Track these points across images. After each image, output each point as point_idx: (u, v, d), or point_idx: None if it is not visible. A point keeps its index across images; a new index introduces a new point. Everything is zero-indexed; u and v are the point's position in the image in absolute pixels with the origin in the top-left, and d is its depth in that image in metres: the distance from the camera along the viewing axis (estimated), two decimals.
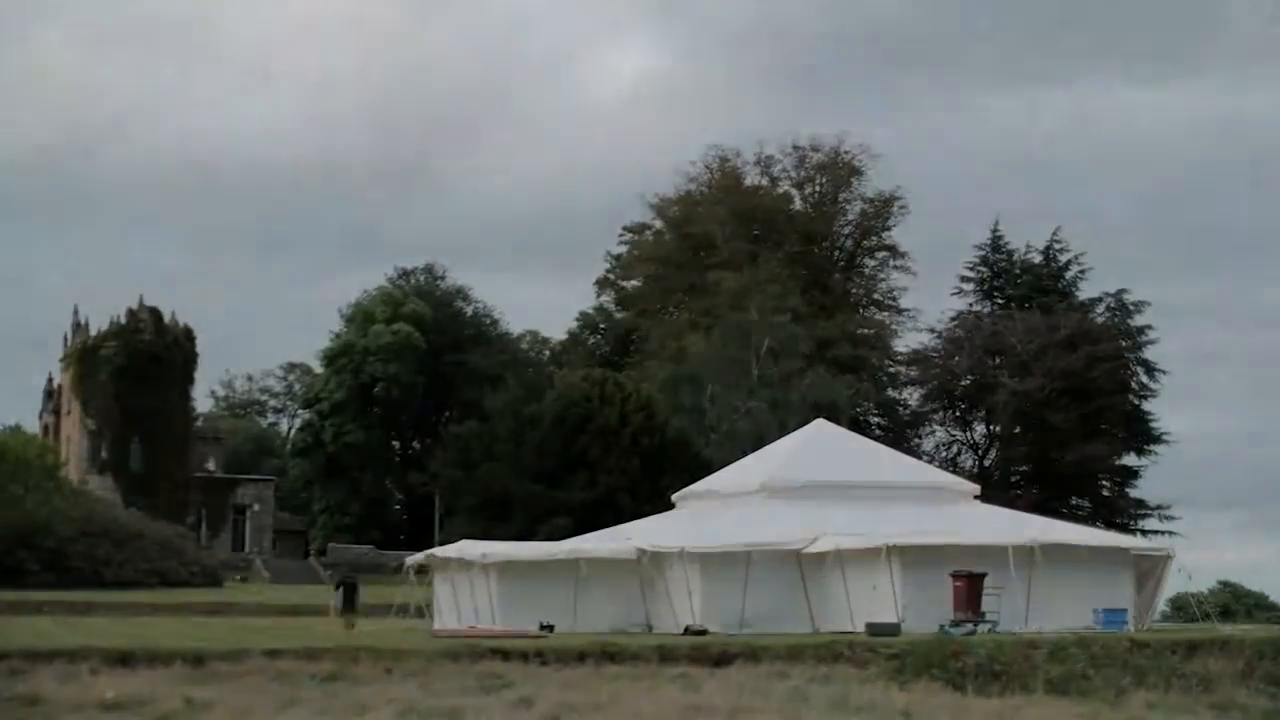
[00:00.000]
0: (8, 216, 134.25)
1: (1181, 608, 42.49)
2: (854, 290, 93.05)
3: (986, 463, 78.99)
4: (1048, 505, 64.64)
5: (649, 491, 56.23)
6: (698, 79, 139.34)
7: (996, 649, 25.12)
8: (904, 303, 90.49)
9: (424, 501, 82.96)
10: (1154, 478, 77.88)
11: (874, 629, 31.03)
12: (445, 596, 37.69)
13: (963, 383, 79.06)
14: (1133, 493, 78.19)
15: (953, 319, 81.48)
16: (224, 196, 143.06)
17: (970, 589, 32.94)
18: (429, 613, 38.45)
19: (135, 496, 72.19)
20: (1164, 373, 78.68)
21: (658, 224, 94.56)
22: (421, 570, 39.67)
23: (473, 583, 35.21)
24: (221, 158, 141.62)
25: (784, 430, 52.22)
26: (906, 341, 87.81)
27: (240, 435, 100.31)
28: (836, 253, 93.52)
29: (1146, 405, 78.51)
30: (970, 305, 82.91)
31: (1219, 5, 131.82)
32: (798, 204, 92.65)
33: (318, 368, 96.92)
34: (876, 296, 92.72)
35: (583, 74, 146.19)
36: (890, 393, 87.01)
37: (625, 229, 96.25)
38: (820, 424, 45.54)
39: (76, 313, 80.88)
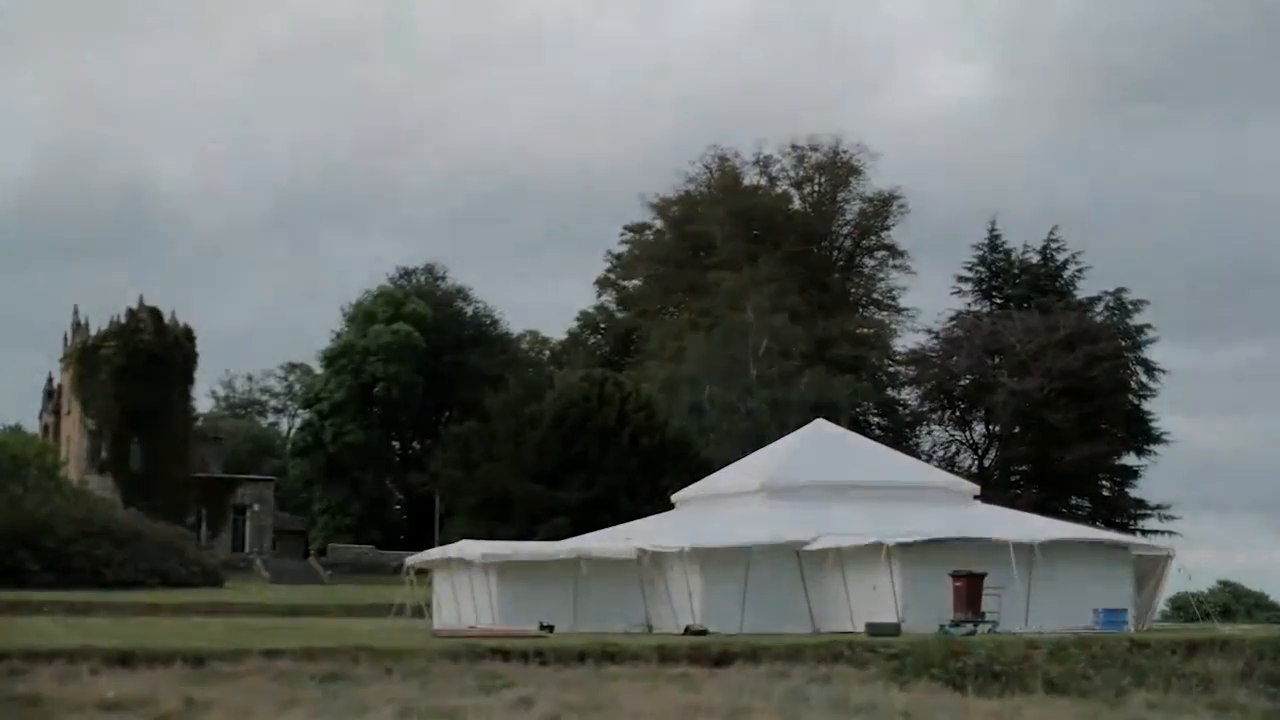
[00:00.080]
0: None
1: (1181, 608, 42.52)
2: (853, 290, 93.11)
3: (986, 463, 78.98)
4: (1048, 505, 64.64)
5: (649, 491, 56.26)
6: None
7: (996, 649, 25.12)
8: (903, 302, 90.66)
9: (424, 501, 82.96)
10: (1154, 478, 78.02)
11: (874, 629, 31.04)
12: (445, 596, 37.70)
13: (962, 382, 79.06)
14: (1133, 493, 78.20)
15: (951, 319, 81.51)
16: None
17: (970, 589, 32.97)
18: (429, 613, 38.47)
19: (135, 496, 72.18)
20: (1164, 372, 78.76)
21: (658, 224, 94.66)
22: (422, 570, 39.71)
23: (473, 583, 35.23)
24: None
25: (784, 430, 52.25)
26: (905, 341, 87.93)
27: (240, 435, 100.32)
28: (835, 252, 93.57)
29: (1146, 405, 78.52)
30: (969, 305, 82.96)
31: None
32: (797, 204, 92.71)
33: (318, 368, 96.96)
34: (876, 296, 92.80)
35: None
36: (890, 392, 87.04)
37: (625, 229, 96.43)
38: (820, 424, 45.58)
39: (76, 313, 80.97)
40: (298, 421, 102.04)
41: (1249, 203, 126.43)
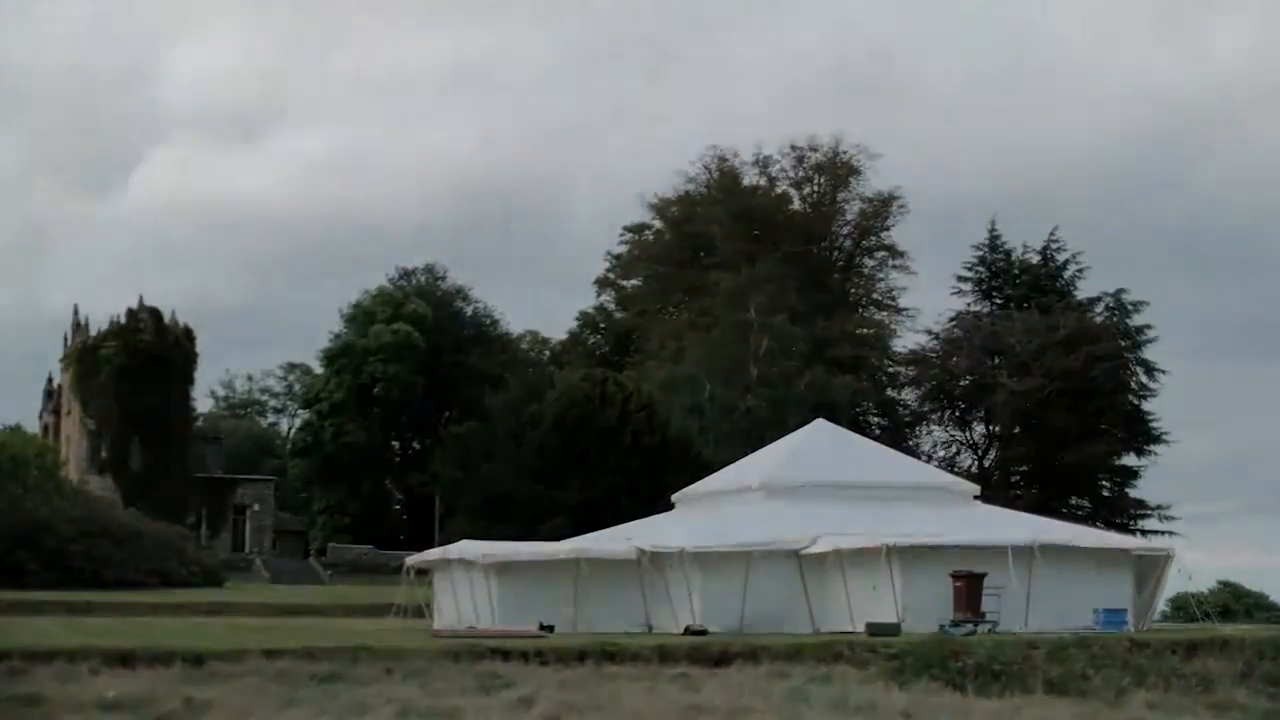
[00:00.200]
0: None
1: (1181, 608, 42.50)
2: (853, 290, 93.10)
3: (986, 463, 78.96)
4: (1048, 505, 64.61)
5: (649, 491, 56.24)
6: None
7: (996, 649, 25.13)
8: (903, 302, 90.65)
9: (424, 501, 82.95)
10: (1153, 477, 78.01)
11: (874, 629, 31.04)
12: (445, 596, 37.69)
13: (962, 383, 79.03)
14: (1133, 493, 78.18)
15: (951, 319, 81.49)
16: None
17: (970, 589, 32.97)
18: (429, 613, 38.46)
19: (135, 496, 72.14)
20: (1164, 372, 78.73)
21: (657, 224, 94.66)
22: (422, 570, 39.69)
23: (473, 583, 35.21)
24: None
25: (784, 430, 52.22)
26: (905, 341, 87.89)
27: (240, 435, 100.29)
28: (835, 253, 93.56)
29: (1146, 405, 78.49)
30: (969, 305, 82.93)
31: None
32: (796, 204, 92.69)
33: (318, 368, 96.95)
34: (875, 296, 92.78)
35: None
36: (890, 392, 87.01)
37: (625, 229, 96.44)
38: (820, 424, 45.56)
39: (76, 313, 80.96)
40: (298, 421, 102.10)
41: None
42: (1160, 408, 78.12)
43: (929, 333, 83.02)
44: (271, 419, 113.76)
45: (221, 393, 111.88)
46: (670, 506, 44.93)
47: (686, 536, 36.51)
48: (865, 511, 36.62)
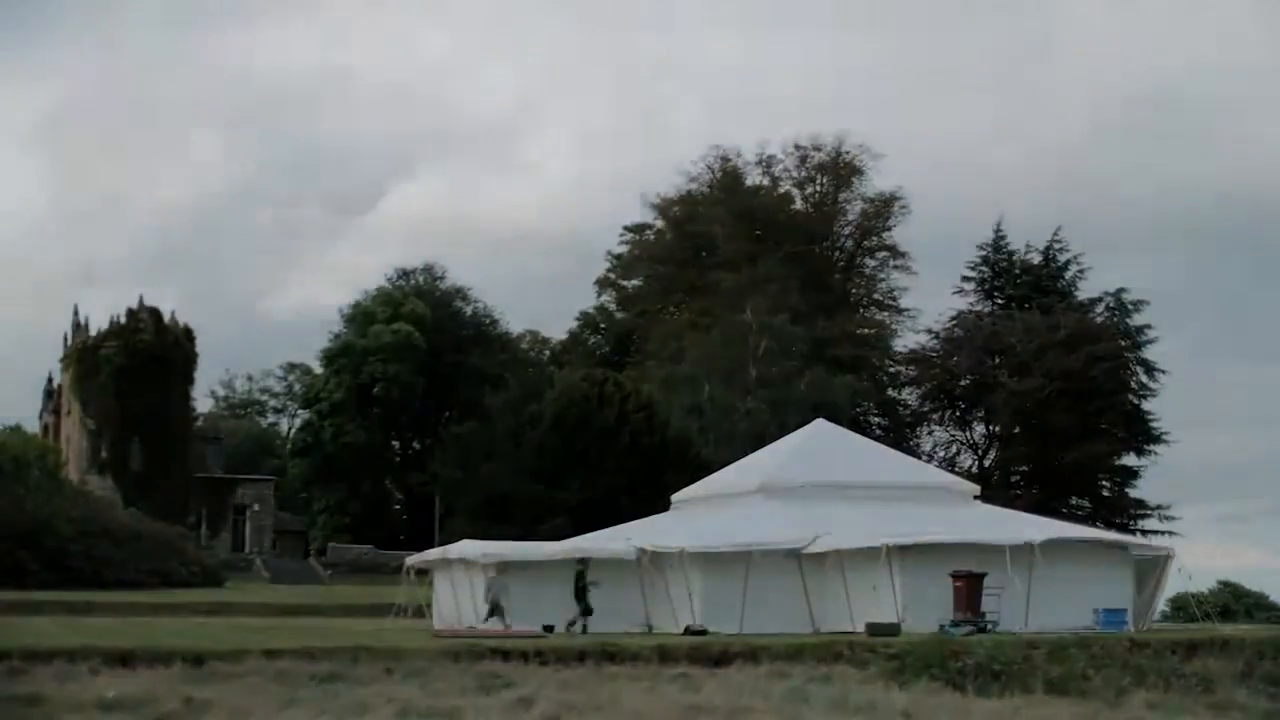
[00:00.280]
0: None
1: (1181, 608, 42.50)
2: (854, 290, 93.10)
3: (986, 463, 78.98)
4: (1048, 505, 64.62)
5: (649, 491, 56.23)
6: None
7: (996, 649, 25.13)
8: (904, 302, 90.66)
9: (424, 501, 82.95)
10: (1153, 477, 77.99)
11: (874, 629, 31.05)
12: (445, 596, 37.69)
13: (962, 383, 79.06)
14: (1132, 493, 78.18)
15: (952, 319, 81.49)
16: None
17: (970, 589, 32.96)
18: (429, 613, 38.47)
19: (135, 496, 72.14)
20: (1164, 372, 78.73)
21: (658, 224, 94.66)
22: (422, 570, 39.70)
23: (473, 583, 35.21)
24: None
25: (784, 430, 52.23)
26: (906, 341, 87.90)
27: (240, 435, 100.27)
28: (837, 253, 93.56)
29: (1146, 405, 78.48)
30: (971, 305, 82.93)
31: None
32: (798, 204, 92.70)
33: (318, 368, 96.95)
34: (876, 296, 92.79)
35: None
36: (890, 392, 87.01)
37: (626, 229, 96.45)
38: (820, 424, 45.56)
39: (76, 313, 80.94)
40: (298, 421, 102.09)
41: None
42: (1160, 407, 78.26)
43: (929, 332, 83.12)
44: (271, 419, 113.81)
45: (221, 393, 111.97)
46: (670, 506, 44.92)
47: (686, 536, 36.51)
48: (865, 511, 36.61)
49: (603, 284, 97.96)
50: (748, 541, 35.39)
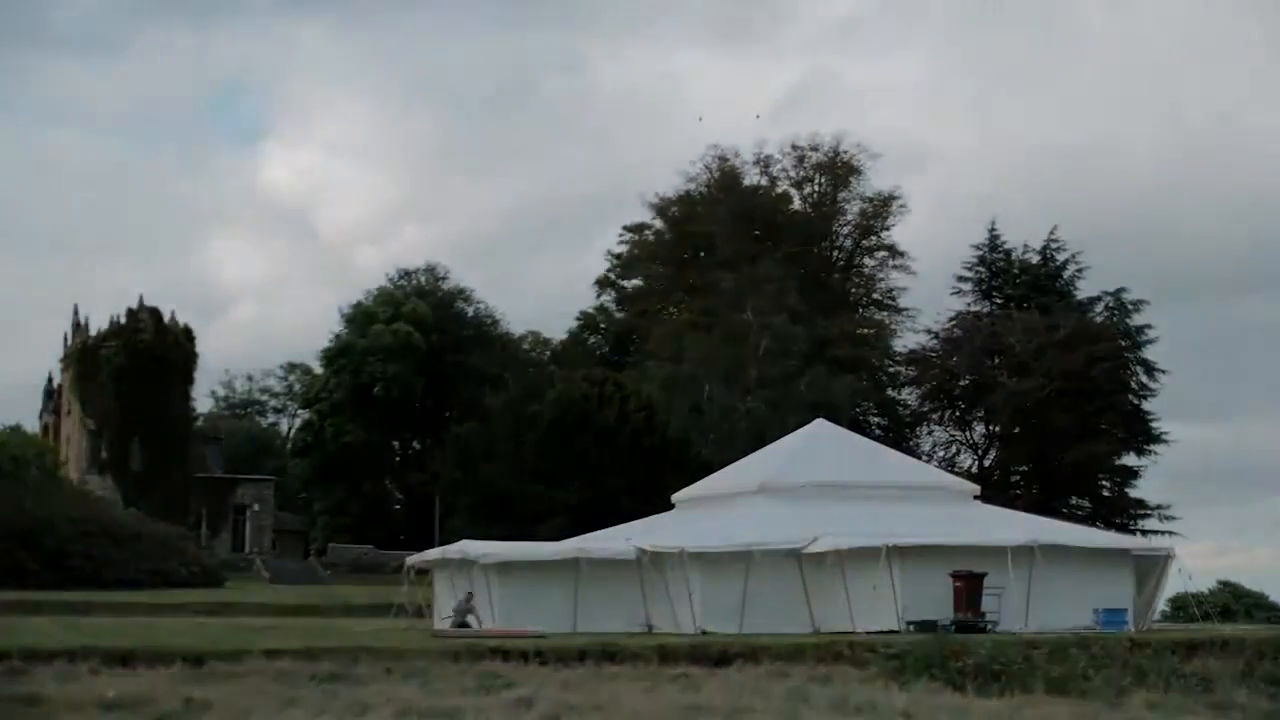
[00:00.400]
0: None
1: (1181, 608, 42.49)
2: (853, 290, 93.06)
3: (986, 463, 78.93)
4: (1047, 505, 64.59)
5: (649, 491, 56.30)
6: None
7: (996, 649, 25.13)
8: (903, 302, 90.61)
9: (424, 501, 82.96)
10: (1153, 478, 77.94)
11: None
12: (445, 596, 37.68)
13: (962, 383, 79.01)
14: (1133, 493, 78.14)
15: (951, 319, 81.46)
16: None
17: (970, 589, 32.96)
18: (429, 613, 38.45)
19: (135, 496, 72.18)
20: (1164, 372, 78.68)
21: (658, 224, 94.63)
22: (422, 570, 39.68)
23: (472, 583, 35.19)
24: None
25: (784, 430, 52.20)
26: (905, 341, 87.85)
27: (240, 435, 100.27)
28: (835, 252, 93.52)
29: (1146, 405, 78.43)
30: (969, 305, 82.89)
31: None
32: (797, 204, 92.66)
33: (318, 368, 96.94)
34: (876, 296, 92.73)
35: None
36: (890, 392, 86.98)
37: (625, 229, 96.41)
38: (820, 424, 45.51)
39: (76, 313, 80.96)
40: (298, 421, 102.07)
41: None
42: (1161, 407, 78.22)
43: (929, 332, 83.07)
44: (271, 419, 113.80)
45: (221, 393, 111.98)
46: (670, 506, 44.89)
47: (686, 536, 36.48)
48: (865, 511, 36.58)
49: (602, 284, 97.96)
50: (748, 541, 35.36)
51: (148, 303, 79.04)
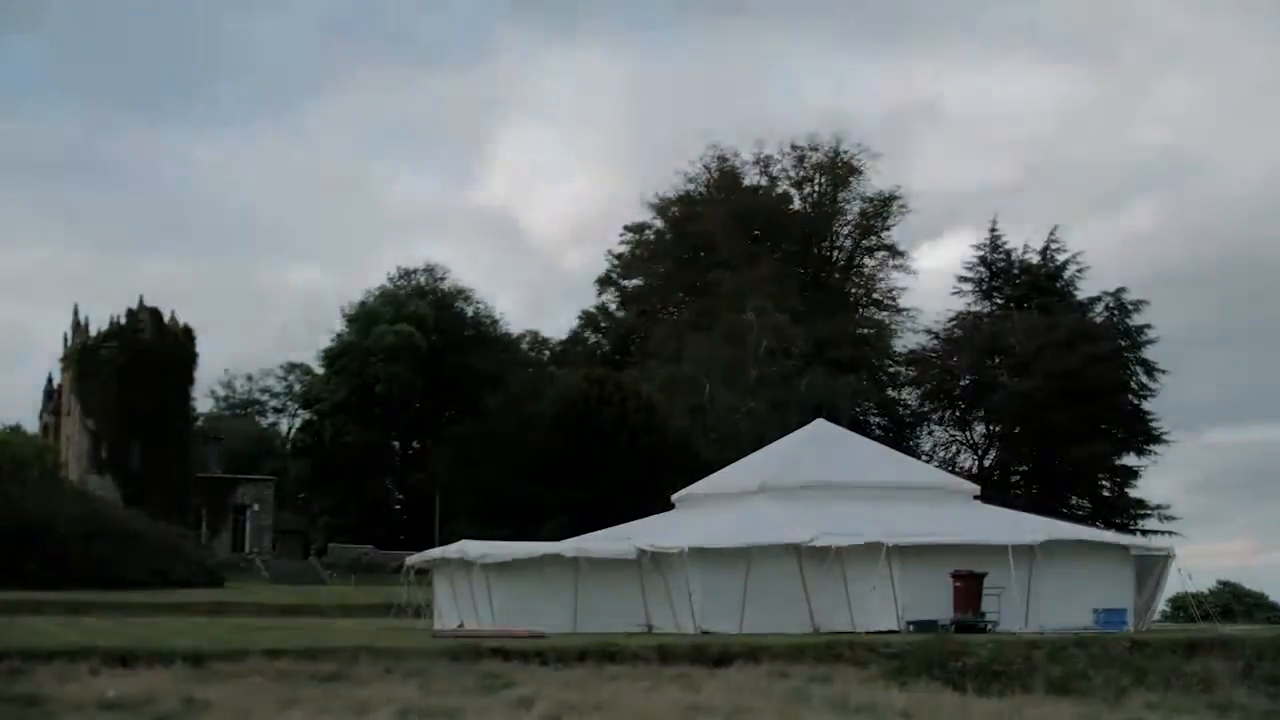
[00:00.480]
0: None
1: (1181, 608, 42.48)
2: (853, 290, 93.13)
3: (986, 463, 78.99)
4: (1047, 505, 64.61)
5: (649, 491, 56.27)
6: None
7: (996, 649, 25.13)
8: (903, 302, 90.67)
9: (424, 501, 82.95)
10: (1153, 478, 77.99)
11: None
12: (445, 596, 37.66)
13: (962, 383, 79.08)
14: (1133, 493, 78.19)
15: (951, 319, 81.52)
16: None
17: (970, 589, 32.95)
18: (429, 613, 38.44)
19: (135, 496, 72.17)
20: (1164, 372, 78.72)
21: (658, 224, 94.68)
22: (422, 570, 39.66)
23: (472, 583, 35.18)
24: None
25: (784, 430, 52.19)
26: (905, 341, 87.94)
27: (240, 435, 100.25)
28: (835, 252, 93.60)
29: (1146, 405, 78.48)
30: (969, 305, 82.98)
31: None
32: (797, 204, 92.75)
33: (318, 368, 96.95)
34: (876, 296, 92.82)
35: None
36: (890, 392, 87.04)
37: (625, 228, 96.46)
38: (820, 424, 45.48)
39: (76, 313, 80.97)
40: (298, 421, 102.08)
41: None
42: (1161, 407, 78.27)
43: (929, 332, 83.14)
44: (271, 419, 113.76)
45: (221, 393, 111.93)
46: (670, 506, 44.87)
47: (686, 536, 36.44)
48: (865, 511, 36.54)
49: (603, 283, 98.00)
50: (748, 541, 35.34)
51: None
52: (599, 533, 41.31)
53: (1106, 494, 78.29)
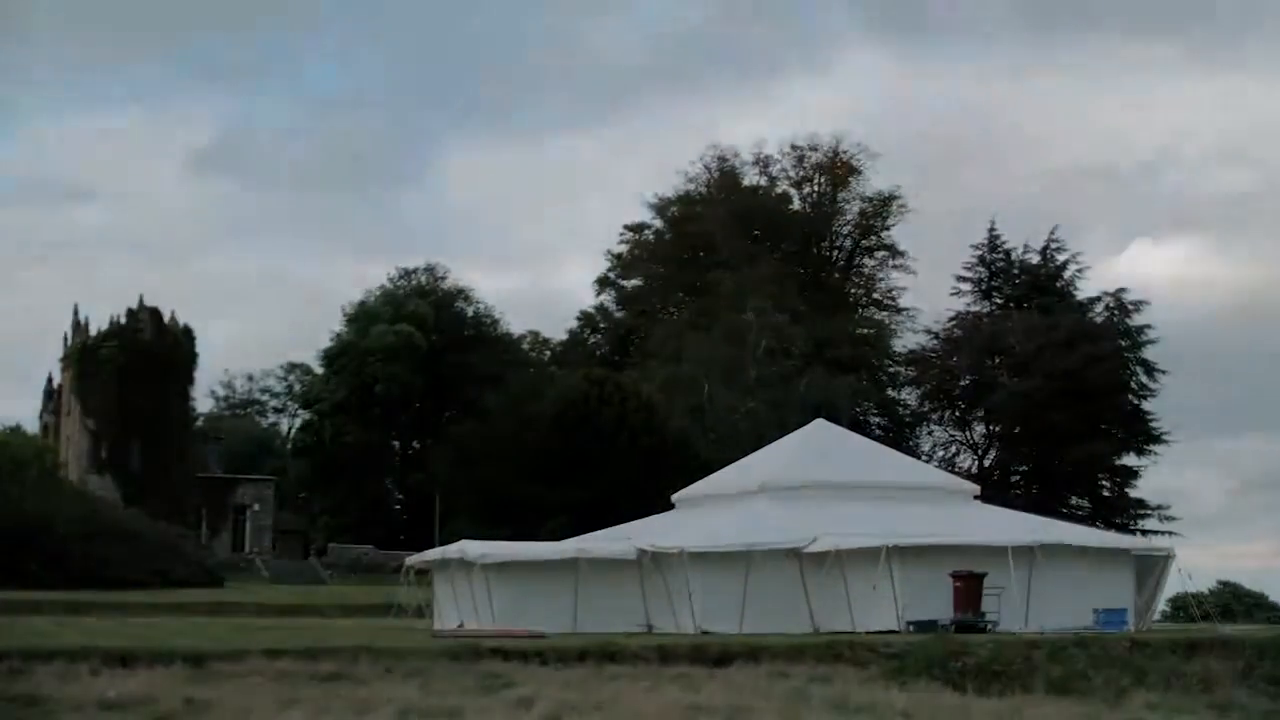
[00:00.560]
0: None
1: (1181, 608, 42.48)
2: (853, 290, 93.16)
3: (986, 463, 78.99)
4: (1047, 505, 64.64)
5: (649, 491, 56.25)
6: None
7: (996, 649, 25.13)
8: (903, 302, 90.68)
9: (424, 501, 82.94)
10: (1154, 478, 77.97)
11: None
12: (445, 596, 37.66)
13: (962, 383, 79.09)
14: (1133, 493, 78.19)
15: (951, 319, 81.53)
16: None
17: (970, 589, 32.95)
18: (429, 613, 38.44)
19: (135, 496, 72.17)
20: (1163, 372, 78.70)
21: (658, 224, 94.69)
22: (422, 570, 39.67)
23: (472, 583, 35.18)
24: None
25: (784, 430, 52.19)
26: (905, 341, 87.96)
27: (240, 435, 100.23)
28: (835, 252, 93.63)
29: (1146, 405, 78.47)
30: (968, 305, 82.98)
31: None
32: (796, 204, 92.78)
33: (318, 368, 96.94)
34: (875, 296, 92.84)
35: None
36: (890, 392, 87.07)
37: (625, 228, 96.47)
38: (820, 424, 45.48)
39: (76, 313, 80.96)
40: (298, 421, 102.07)
41: None
42: (1161, 407, 78.28)
43: (929, 332, 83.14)
44: (271, 419, 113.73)
45: (221, 393, 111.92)
46: (670, 506, 44.87)
47: (686, 536, 36.44)
48: (865, 511, 36.55)
49: (603, 283, 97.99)
50: (748, 541, 35.33)
51: None
52: (599, 533, 41.31)
53: (1106, 494, 78.30)
